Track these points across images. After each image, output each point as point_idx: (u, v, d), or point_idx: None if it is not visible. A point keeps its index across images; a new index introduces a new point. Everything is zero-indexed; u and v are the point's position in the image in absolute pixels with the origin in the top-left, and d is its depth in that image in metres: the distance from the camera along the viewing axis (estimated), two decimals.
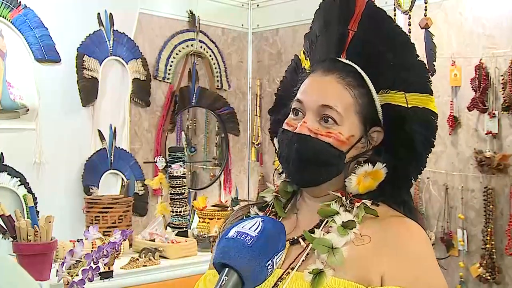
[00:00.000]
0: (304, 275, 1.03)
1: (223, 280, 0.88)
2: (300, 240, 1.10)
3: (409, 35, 2.64)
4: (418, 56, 1.11)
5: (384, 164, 1.09)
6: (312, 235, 1.07)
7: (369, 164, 1.09)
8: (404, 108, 1.10)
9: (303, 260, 1.06)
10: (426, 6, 2.61)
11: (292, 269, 1.06)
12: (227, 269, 0.89)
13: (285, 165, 1.12)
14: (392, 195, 1.12)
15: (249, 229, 0.93)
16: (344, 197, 1.09)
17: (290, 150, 1.09)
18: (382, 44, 1.10)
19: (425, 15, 2.59)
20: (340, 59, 1.13)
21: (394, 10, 2.72)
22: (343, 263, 1.02)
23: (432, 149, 1.12)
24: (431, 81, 1.11)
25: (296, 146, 1.08)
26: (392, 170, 1.10)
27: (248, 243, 0.90)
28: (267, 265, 0.91)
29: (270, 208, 1.18)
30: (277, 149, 1.15)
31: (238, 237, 0.91)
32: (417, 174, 1.14)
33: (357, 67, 1.11)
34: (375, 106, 1.11)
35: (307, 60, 1.22)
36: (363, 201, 1.08)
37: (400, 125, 1.10)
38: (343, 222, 1.06)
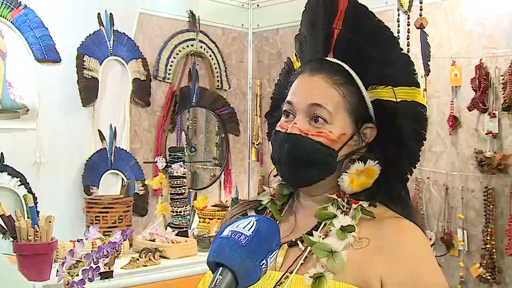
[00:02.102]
0: (304, 278, 1.03)
1: (217, 279, 0.88)
2: (299, 242, 1.09)
3: (408, 35, 2.67)
4: (402, 50, 1.11)
5: (377, 161, 1.09)
6: (311, 238, 1.07)
7: (361, 162, 1.09)
8: (393, 103, 1.10)
9: (301, 263, 1.06)
10: (421, 6, 2.62)
11: (291, 272, 1.06)
12: (221, 268, 0.89)
13: (278, 166, 1.13)
14: (388, 191, 1.12)
15: (243, 228, 0.92)
16: (340, 199, 1.09)
17: (282, 151, 1.10)
18: (365, 41, 1.10)
19: (421, 15, 2.60)
20: (327, 58, 1.14)
21: (398, 10, 2.72)
22: (343, 268, 1.02)
23: (424, 142, 1.12)
24: (416, 73, 1.11)
25: (287, 146, 1.08)
26: (386, 166, 1.10)
27: (243, 242, 0.90)
28: (261, 264, 0.91)
29: (268, 211, 1.18)
30: (271, 150, 1.15)
31: (232, 236, 0.91)
32: (412, 169, 1.13)
33: (344, 65, 1.12)
34: (365, 103, 1.11)
35: (298, 61, 1.22)
36: (360, 202, 1.08)
37: (391, 120, 1.10)
38: (342, 226, 1.05)
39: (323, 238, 1.06)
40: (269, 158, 3.92)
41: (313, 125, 1.08)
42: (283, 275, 1.06)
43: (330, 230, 1.06)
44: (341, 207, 1.09)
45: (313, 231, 1.09)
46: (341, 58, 1.12)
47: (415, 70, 1.11)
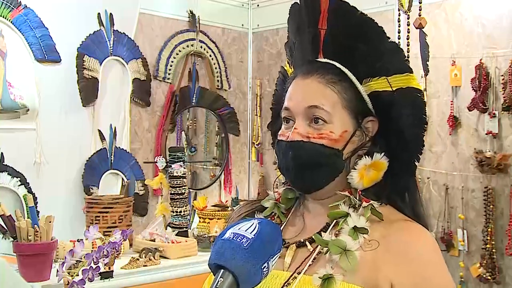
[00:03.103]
0: (313, 279, 1.02)
1: (218, 281, 0.87)
2: (307, 243, 1.09)
3: (408, 35, 2.67)
4: (389, 38, 1.11)
5: (383, 154, 1.09)
6: (322, 237, 1.06)
7: (367, 156, 1.09)
8: (389, 92, 1.10)
9: (310, 264, 1.06)
10: (420, 6, 2.62)
11: (299, 273, 1.05)
12: (222, 270, 0.88)
13: (286, 175, 1.13)
14: (397, 183, 1.12)
15: (245, 231, 0.92)
16: (352, 196, 1.09)
17: (287, 159, 1.09)
18: (352, 36, 1.10)
19: (420, 15, 2.60)
20: (318, 59, 1.14)
21: (399, 10, 2.73)
22: (356, 267, 1.01)
23: (426, 126, 1.12)
24: (408, 60, 1.11)
25: (291, 154, 1.08)
26: (392, 157, 1.10)
27: (244, 245, 0.89)
28: (262, 267, 0.90)
29: (275, 215, 1.18)
30: (276, 160, 1.15)
31: (234, 238, 0.91)
32: (418, 156, 1.12)
33: (335, 63, 1.12)
34: (362, 97, 1.11)
35: (291, 68, 1.23)
36: (371, 202, 1.08)
37: (389, 109, 1.10)
38: (355, 226, 1.05)
39: (333, 238, 1.05)
40: (269, 158, 3.96)
41: (314, 127, 1.08)
42: (291, 276, 1.05)
43: (343, 228, 1.06)
44: (353, 204, 1.08)
45: (322, 232, 1.08)
46: (331, 57, 1.13)
47: (405, 56, 1.11)
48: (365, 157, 1.09)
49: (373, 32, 1.10)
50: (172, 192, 2.94)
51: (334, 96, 1.08)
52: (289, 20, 1.19)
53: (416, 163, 1.13)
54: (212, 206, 3.15)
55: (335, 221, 1.08)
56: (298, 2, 1.16)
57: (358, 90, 1.11)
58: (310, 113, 1.08)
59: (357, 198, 1.08)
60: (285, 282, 1.05)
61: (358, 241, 1.04)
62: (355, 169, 1.09)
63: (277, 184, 1.22)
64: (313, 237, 1.08)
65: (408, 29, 2.64)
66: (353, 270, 1.01)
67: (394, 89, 1.09)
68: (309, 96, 1.09)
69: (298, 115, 1.09)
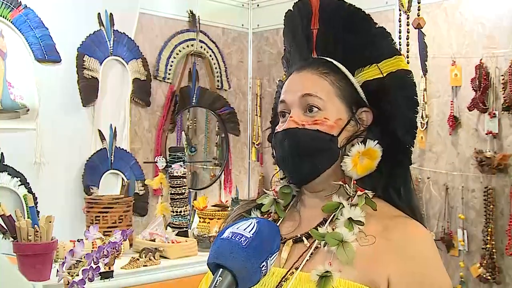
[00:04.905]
0: (311, 275, 1.02)
1: (217, 280, 0.88)
2: (304, 238, 1.09)
3: (408, 35, 2.68)
4: (376, 24, 1.13)
5: (377, 141, 1.10)
6: (319, 231, 1.07)
7: (361, 143, 1.10)
8: (380, 79, 1.11)
9: (307, 260, 1.06)
10: (419, 6, 2.62)
11: (296, 269, 1.05)
12: (221, 269, 0.89)
13: (283, 165, 1.13)
14: (392, 173, 1.12)
15: (244, 230, 0.93)
16: (346, 185, 1.09)
17: (283, 148, 1.10)
18: (341, 29, 1.13)
19: (418, 15, 2.61)
20: (312, 57, 1.17)
21: (399, 10, 2.73)
22: (353, 259, 1.01)
23: (417, 107, 1.13)
24: (394, 42, 1.13)
25: (287, 142, 1.10)
26: (387, 143, 1.11)
27: (243, 244, 0.90)
28: (261, 266, 0.91)
29: (272, 212, 1.18)
30: (274, 154, 1.15)
31: (233, 238, 0.91)
32: (412, 140, 1.14)
33: (327, 58, 1.15)
34: (356, 89, 1.13)
35: None
36: (366, 191, 1.08)
37: (381, 96, 1.12)
38: (350, 218, 1.05)
39: (332, 230, 1.06)
40: (269, 158, 3.95)
41: (308, 115, 1.09)
42: (288, 271, 1.06)
43: (339, 219, 1.06)
44: (347, 193, 1.09)
45: (318, 227, 1.08)
46: (324, 53, 1.16)
47: (393, 40, 1.13)
48: (359, 144, 1.09)
49: (360, 21, 1.13)
50: (172, 192, 2.94)
51: (327, 85, 1.11)
52: (284, 30, 1.23)
53: (412, 149, 1.14)
54: (212, 206, 3.15)
55: (333, 214, 1.08)
56: (291, 9, 1.19)
57: (351, 81, 1.13)
58: (304, 101, 1.10)
59: (352, 187, 1.09)
60: (282, 278, 1.05)
61: (353, 232, 1.04)
62: (348, 155, 1.09)
63: (274, 181, 1.22)
64: (310, 232, 1.08)
65: (408, 29, 2.64)
66: (350, 262, 1.01)
67: (384, 74, 1.11)
68: (303, 86, 1.11)
69: (293, 105, 1.11)
